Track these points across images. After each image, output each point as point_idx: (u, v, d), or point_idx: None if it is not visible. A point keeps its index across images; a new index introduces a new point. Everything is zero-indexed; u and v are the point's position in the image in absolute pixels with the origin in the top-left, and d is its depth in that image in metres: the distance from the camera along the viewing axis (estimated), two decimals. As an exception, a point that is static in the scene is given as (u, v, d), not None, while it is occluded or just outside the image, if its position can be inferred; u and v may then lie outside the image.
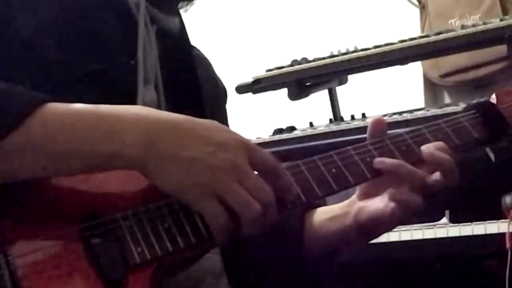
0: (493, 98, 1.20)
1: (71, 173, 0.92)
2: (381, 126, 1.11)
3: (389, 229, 1.13)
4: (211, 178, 0.90)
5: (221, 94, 1.34)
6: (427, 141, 1.10)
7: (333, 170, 1.04)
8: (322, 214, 1.18)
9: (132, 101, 1.06)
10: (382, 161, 1.06)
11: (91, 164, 0.91)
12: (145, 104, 1.08)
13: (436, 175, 1.06)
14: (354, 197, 1.14)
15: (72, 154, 0.89)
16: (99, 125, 0.90)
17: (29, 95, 0.91)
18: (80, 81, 1.02)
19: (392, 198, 1.07)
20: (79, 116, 0.91)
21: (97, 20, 1.08)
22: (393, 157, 1.07)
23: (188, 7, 1.26)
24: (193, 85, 1.20)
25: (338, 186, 1.03)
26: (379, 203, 1.09)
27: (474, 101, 1.20)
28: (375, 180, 1.08)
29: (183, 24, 1.22)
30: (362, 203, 1.12)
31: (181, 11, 1.25)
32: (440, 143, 1.09)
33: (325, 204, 1.21)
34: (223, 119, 1.29)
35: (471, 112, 1.17)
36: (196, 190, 0.90)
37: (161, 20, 1.16)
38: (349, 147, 1.07)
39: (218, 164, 0.90)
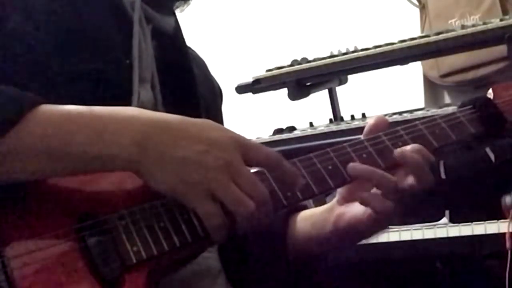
0: (490, 93, 1.19)
1: (65, 174, 0.92)
2: (383, 125, 1.11)
3: (368, 235, 1.13)
4: (205, 177, 0.90)
5: (217, 94, 1.34)
6: (424, 136, 1.09)
7: (330, 167, 1.03)
8: (304, 219, 1.18)
9: (128, 100, 1.06)
10: (354, 167, 1.04)
11: (84, 166, 0.91)
12: (141, 103, 1.08)
13: (410, 179, 1.04)
14: (334, 201, 1.14)
15: (66, 156, 0.89)
16: (92, 127, 0.90)
17: (22, 97, 0.91)
18: (75, 80, 1.02)
19: (362, 203, 1.06)
20: (72, 118, 0.91)
21: (92, 19, 1.07)
22: (389, 154, 1.07)
23: (184, 7, 1.26)
24: (189, 85, 1.20)
25: (335, 183, 1.03)
26: (358, 209, 1.08)
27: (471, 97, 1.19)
28: (354, 185, 1.08)
29: (178, 24, 1.22)
30: (341, 209, 1.12)
31: (177, 11, 1.25)
32: (415, 145, 1.07)
33: (324, 202, 1.21)
34: (219, 119, 1.29)
35: (468, 107, 1.16)
36: (190, 189, 0.90)
37: (156, 19, 1.16)
38: (345, 144, 1.06)
39: (211, 162, 0.90)
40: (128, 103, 1.05)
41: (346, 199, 1.11)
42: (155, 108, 1.11)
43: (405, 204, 1.05)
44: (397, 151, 1.06)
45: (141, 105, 1.07)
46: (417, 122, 1.12)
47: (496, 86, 1.19)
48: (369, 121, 1.12)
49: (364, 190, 1.06)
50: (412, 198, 1.05)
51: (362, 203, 1.06)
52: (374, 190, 1.07)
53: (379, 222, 1.07)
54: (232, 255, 1.15)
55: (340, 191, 1.12)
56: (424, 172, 1.04)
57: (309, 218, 1.17)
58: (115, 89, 1.06)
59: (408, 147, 1.06)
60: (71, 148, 0.89)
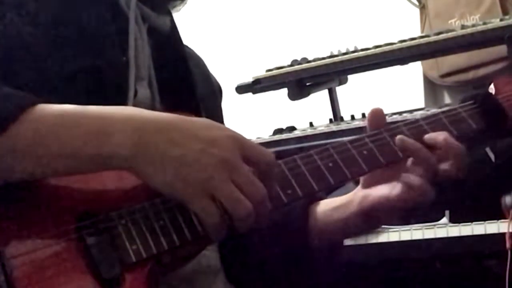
0: (491, 88, 1.18)
1: (63, 174, 0.92)
2: (380, 116, 1.11)
3: (391, 216, 1.13)
4: (202, 176, 0.90)
5: (216, 92, 1.34)
6: (425, 132, 1.09)
7: (330, 164, 1.03)
8: (326, 205, 1.18)
9: (124, 98, 1.06)
10: (403, 140, 1.06)
11: (81, 166, 0.91)
12: (138, 101, 1.08)
13: (446, 164, 1.06)
14: (358, 187, 1.14)
15: (62, 156, 0.89)
16: (89, 126, 0.90)
17: (18, 97, 0.91)
18: (71, 78, 1.02)
19: (402, 181, 1.06)
20: (68, 117, 0.91)
21: (88, 17, 1.07)
22: (390, 149, 1.07)
23: (180, 7, 1.26)
24: (186, 83, 1.20)
25: (335, 180, 1.03)
26: (385, 189, 1.09)
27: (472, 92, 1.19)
28: (378, 171, 1.08)
29: (174, 23, 1.22)
30: (366, 191, 1.12)
31: (173, 11, 1.25)
32: (445, 133, 1.08)
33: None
34: (218, 116, 1.29)
35: (469, 103, 1.15)
36: (187, 188, 0.90)
37: (152, 18, 1.16)
38: (345, 140, 1.06)
39: (208, 161, 0.90)
40: (124, 100, 1.05)
41: (370, 183, 1.11)
42: (152, 106, 1.11)
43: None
44: (437, 136, 1.07)
45: (138, 103, 1.07)
46: (418, 117, 1.12)
47: (498, 80, 1.18)
48: (368, 115, 1.12)
49: (390, 176, 1.08)
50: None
51: (402, 180, 1.06)
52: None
53: (408, 203, 1.07)
54: (231, 253, 1.15)
55: (363, 177, 1.12)
56: (463, 159, 1.06)
57: (331, 203, 1.17)
58: (111, 86, 1.06)
59: (442, 134, 1.07)
60: (68, 148, 0.89)
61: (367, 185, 1.12)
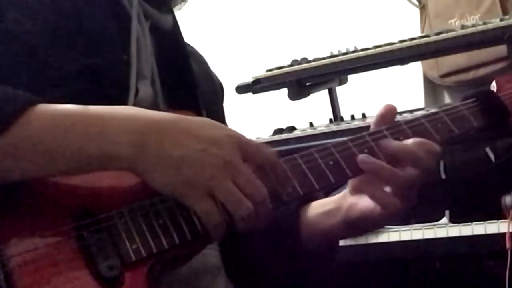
0: (493, 86, 1.17)
1: (63, 174, 0.92)
2: (392, 114, 1.10)
3: (378, 227, 1.13)
4: (203, 176, 0.90)
5: (217, 89, 1.34)
6: (426, 130, 1.08)
7: (331, 163, 1.03)
8: (316, 208, 1.17)
9: (125, 96, 1.06)
10: (364, 160, 1.04)
11: (82, 166, 0.90)
12: (140, 99, 1.08)
13: (415, 170, 1.03)
14: (346, 191, 1.13)
15: (63, 156, 0.89)
16: (90, 126, 0.90)
17: (18, 96, 0.90)
18: (74, 76, 1.02)
19: (371, 197, 1.05)
20: (69, 117, 0.91)
21: (90, 15, 1.07)
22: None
23: (181, 5, 1.26)
24: (188, 81, 1.20)
25: (336, 179, 1.03)
26: (370, 201, 1.07)
27: (474, 90, 1.18)
28: (366, 176, 1.07)
29: (176, 22, 1.22)
30: (353, 199, 1.10)
31: (175, 9, 1.25)
32: (416, 139, 1.06)
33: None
34: (220, 114, 1.29)
35: (471, 100, 1.14)
36: (189, 188, 0.90)
37: (154, 16, 1.16)
38: (346, 139, 1.06)
39: (209, 161, 0.90)
40: (125, 99, 1.05)
41: (357, 190, 1.10)
42: (155, 104, 1.11)
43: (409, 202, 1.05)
44: (394, 144, 1.05)
45: (140, 101, 1.07)
46: (419, 116, 1.11)
47: (500, 78, 1.17)
48: (380, 110, 1.11)
49: (375, 183, 1.05)
50: (416, 194, 1.04)
51: (371, 198, 1.05)
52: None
53: (387, 218, 1.06)
54: (232, 251, 1.15)
55: (351, 182, 1.10)
56: (423, 165, 1.04)
57: (322, 207, 1.16)
58: (113, 84, 1.05)
59: (409, 141, 1.05)
60: (68, 148, 0.89)
61: (355, 191, 1.11)
